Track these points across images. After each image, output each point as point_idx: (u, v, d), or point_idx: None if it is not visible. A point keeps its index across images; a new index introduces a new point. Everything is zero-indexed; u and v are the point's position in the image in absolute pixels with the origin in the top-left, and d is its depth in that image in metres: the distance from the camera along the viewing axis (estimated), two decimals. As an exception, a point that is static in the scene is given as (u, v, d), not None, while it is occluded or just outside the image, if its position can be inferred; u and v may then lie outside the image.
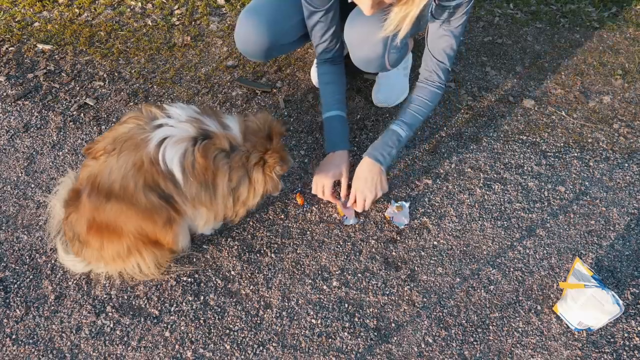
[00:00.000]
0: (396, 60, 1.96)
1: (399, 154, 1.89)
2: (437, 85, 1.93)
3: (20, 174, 2.12)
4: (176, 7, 2.90)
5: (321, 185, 1.92)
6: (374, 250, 1.91)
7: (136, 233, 1.62)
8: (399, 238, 1.95)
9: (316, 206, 2.03)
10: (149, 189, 1.52)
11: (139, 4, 2.92)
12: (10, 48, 2.67)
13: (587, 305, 1.63)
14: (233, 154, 1.53)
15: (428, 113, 1.95)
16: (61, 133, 2.27)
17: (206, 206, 1.61)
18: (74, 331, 1.69)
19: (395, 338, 1.70)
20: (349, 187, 1.95)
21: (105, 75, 2.53)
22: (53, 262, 1.84)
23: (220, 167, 1.52)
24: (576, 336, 1.72)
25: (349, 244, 1.93)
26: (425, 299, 1.79)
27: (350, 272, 1.85)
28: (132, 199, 1.52)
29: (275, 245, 1.92)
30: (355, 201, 1.93)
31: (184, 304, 1.75)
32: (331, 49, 2.01)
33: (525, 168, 2.19)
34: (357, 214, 1.98)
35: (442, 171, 2.16)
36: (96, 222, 1.59)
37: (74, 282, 1.80)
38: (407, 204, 2.00)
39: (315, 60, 2.48)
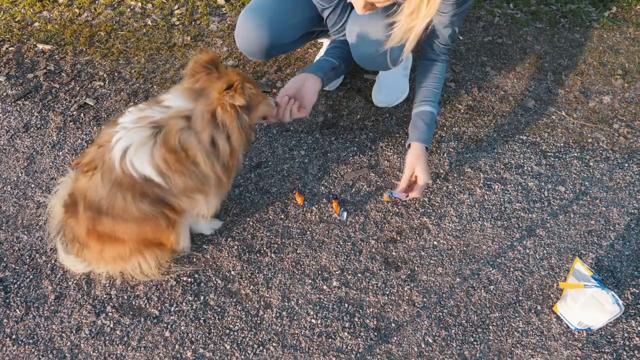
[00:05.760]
0: (397, 58, 1.97)
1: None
2: (443, 59, 2.01)
3: (20, 174, 2.12)
4: (176, 7, 2.90)
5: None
6: (374, 250, 1.91)
7: (136, 239, 1.63)
8: (399, 238, 1.95)
9: (316, 206, 2.03)
10: (139, 200, 1.51)
11: (139, 4, 2.91)
12: (10, 48, 2.67)
13: (587, 305, 1.63)
14: (192, 122, 1.46)
15: (442, 86, 2.05)
16: (61, 133, 2.27)
17: (199, 190, 1.57)
18: (74, 331, 1.69)
19: (395, 338, 1.70)
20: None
21: (105, 75, 2.53)
22: (53, 262, 1.84)
23: (189, 145, 1.46)
24: (576, 336, 1.72)
25: (349, 244, 1.93)
26: (425, 299, 1.79)
27: (350, 272, 1.85)
28: (123, 214, 1.53)
29: (275, 245, 1.92)
30: (410, 187, 1.94)
31: (184, 304, 1.75)
32: (344, 34, 2.02)
33: (525, 168, 2.19)
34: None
35: (442, 171, 2.16)
36: (96, 230, 1.59)
37: (74, 282, 1.80)
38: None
39: (314, 60, 2.49)
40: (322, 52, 2.46)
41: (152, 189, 1.51)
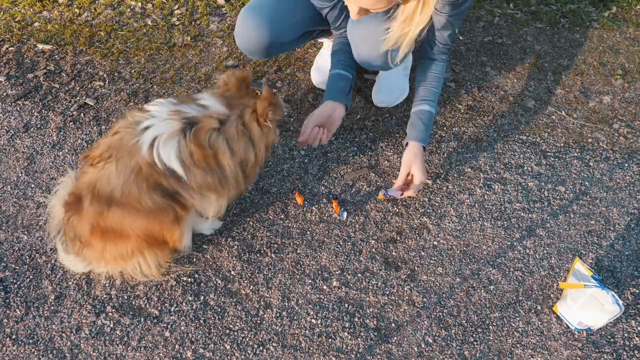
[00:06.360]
0: (400, 58, 1.97)
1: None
2: (443, 58, 2.01)
3: (20, 174, 2.12)
4: (176, 7, 2.90)
5: (306, 123, 1.92)
6: (374, 250, 1.91)
7: (142, 234, 1.62)
8: (399, 238, 1.95)
9: (316, 206, 2.03)
10: (152, 191, 1.52)
11: (139, 4, 2.92)
12: (10, 48, 2.67)
13: (587, 305, 1.63)
14: (225, 127, 1.53)
15: (442, 85, 2.04)
16: (61, 133, 2.27)
17: (216, 190, 1.61)
18: (74, 331, 1.69)
19: (395, 338, 1.70)
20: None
21: (105, 75, 2.53)
22: (53, 262, 1.84)
23: (219, 146, 1.52)
24: (576, 336, 1.72)
25: (349, 244, 1.93)
26: (425, 299, 1.79)
27: (350, 272, 1.85)
28: (136, 203, 1.53)
29: (275, 245, 1.92)
30: (405, 186, 1.95)
31: (184, 304, 1.75)
32: (345, 30, 2.02)
33: (525, 168, 2.19)
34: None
35: (442, 171, 2.16)
36: (100, 226, 1.59)
37: (74, 282, 1.80)
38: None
39: (315, 60, 2.49)
40: (322, 52, 2.45)
41: (169, 181, 1.53)
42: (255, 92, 1.66)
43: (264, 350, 1.66)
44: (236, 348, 1.66)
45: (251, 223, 1.98)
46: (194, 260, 1.86)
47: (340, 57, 2.04)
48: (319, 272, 1.85)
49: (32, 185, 2.08)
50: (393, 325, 1.73)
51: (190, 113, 1.52)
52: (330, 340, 1.69)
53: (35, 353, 1.64)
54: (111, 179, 1.51)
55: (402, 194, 1.96)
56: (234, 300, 1.77)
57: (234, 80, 1.61)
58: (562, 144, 2.29)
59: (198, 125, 1.50)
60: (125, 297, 1.76)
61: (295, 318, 1.73)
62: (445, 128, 2.32)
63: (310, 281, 1.82)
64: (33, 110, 2.37)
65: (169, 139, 1.48)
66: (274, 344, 1.67)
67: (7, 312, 1.73)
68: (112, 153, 1.52)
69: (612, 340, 1.72)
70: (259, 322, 1.72)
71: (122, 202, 1.53)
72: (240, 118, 1.56)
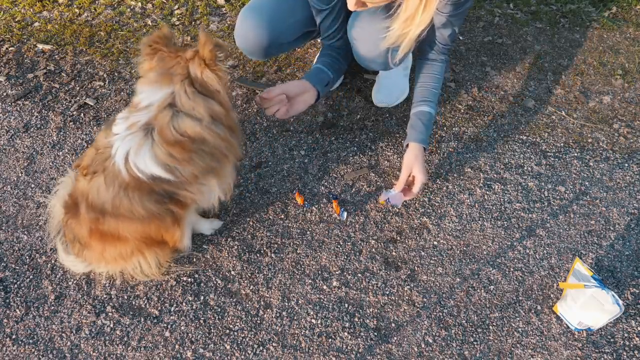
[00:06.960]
0: (399, 58, 1.97)
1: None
2: (442, 59, 2.00)
3: (20, 174, 2.12)
4: (176, 7, 2.90)
5: (276, 86, 1.88)
6: (374, 250, 1.91)
7: (140, 237, 1.62)
8: (399, 238, 1.95)
9: (316, 206, 2.03)
10: (147, 198, 1.52)
11: (139, 4, 2.91)
12: (10, 48, 2.67)
13: (587, 305, 1.63)
14: (177, 105, 1.46)
15: (441, 86, 2.03)
16: (61, 133, 2.27)
17: (214, 170, 1.58)
18: (74, 331, 1.69)
19: (395, 338, 1.70)
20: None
21: (105, 75, 2.53)
22: (53, 262, 1.84)
23: (186, 126, 1.46)
24: (576, 336, 1.72)
25: (349, 244, 1.93)
26: (425, 299, 1.79)
27: (350, 272, 1.85)
28: (129, 214, 1.53)
29: (275, 245, 1.92)
30: (407, 188, 1.94)
31: (184, 304, 1.75)
32: (336, 40, 2.04)
33: (525, 168, 2.19)
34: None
35: (442, 171, 2.16)
36: (98, 229, 1.59)
37: (74, 282, 1.80)
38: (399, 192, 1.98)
39: (314, 61, 2.49)
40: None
41: (160, 185, 1.51)
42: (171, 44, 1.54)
43: (264, 350, 1.66)
44: (236, 348, 1.66)
45: (251, 223, 1.98)
46: (194, 260, 1.87)
47: (325, 59, 2.05)
48: (319, 272, 1.85)
49: (32, 185, 2.08)
50: (393, 325, 1.73)
51: (142, 119, 1.47)
52: (330, 340, 1.69)
53: (35, 353, 1.64)
54: (100, 192, 1.51)
55: (403, 199, 1.95)
56: (234, 300, 1.77)
57: (157, 39, 1.50)
58: (562, 144, 2.29)
59: (157, 128, 1.46)
60: (125, 297, 1.76)
61: (295, 318, 1.73)
62: (445, 128, 2.32)
63: (310, 281, 1.82)
64: (33, 110, 2.37)
65: (139, 149, 1.45)
66: (274, 344, 1.67)
67: (7, 312, 1.73)
68: (97, 169, 1.51)
69: (612, 340, 1.72)
70: (259, 322, 1.72)
71: (114, 213, 1.53)
72: (182, 82, 1.46)
